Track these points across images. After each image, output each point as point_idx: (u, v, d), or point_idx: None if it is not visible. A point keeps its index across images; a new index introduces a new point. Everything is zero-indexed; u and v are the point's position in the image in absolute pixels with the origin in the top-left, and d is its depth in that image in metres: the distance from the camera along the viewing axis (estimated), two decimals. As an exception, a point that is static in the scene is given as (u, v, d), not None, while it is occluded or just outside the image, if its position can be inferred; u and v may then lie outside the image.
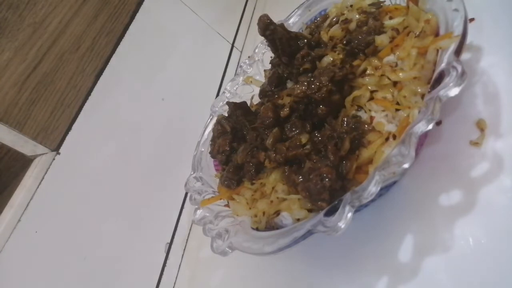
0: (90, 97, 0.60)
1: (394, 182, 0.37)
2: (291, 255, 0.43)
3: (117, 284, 0.55)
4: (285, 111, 0.40)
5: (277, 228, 0.36)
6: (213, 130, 0.51)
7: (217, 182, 0.47)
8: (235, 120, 0.48)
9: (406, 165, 0.28)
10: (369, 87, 0.37)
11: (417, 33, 0.37)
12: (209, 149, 0.51)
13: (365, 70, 0.39)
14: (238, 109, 0.47)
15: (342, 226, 0.28)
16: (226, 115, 0.51)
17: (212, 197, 0.44)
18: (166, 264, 0.60)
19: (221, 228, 0.39)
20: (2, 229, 0.47)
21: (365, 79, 0.38)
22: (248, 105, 0.50)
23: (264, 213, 0.38)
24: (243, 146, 0.44)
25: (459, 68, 0.28)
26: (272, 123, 0.40)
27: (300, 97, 0.39)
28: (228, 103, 0.50)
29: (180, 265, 0.61)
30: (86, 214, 0.54)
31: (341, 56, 0.42)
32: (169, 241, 0.63)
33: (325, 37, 0.47)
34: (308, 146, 0.37)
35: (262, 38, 0.45)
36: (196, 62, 0.79)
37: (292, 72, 0.45)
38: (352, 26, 0.43)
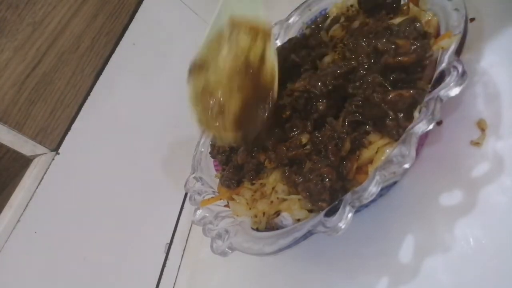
0: (89, 97, 0.59)
1: (395, 182, 0.37)
2: (291, 255, 0.43)
3: (116, 284, 0.54)
4: (286, 114, 0.40)
5: (277, 229, 0.36)
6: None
7: (217, 183, 0.47)
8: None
9: (406, 165, 0.27)
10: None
11: (418, 33, 0.36)
12: (209, 149, 0.51)
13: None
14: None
15: (343, 227, 0.28)
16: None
17: (212, 197, 0.44)
18: (166, 265, 0.60)
19: (221, 228, 0.39)
20: (1, 230, 0.47)
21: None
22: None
23: (264, 213, 0.38)
24: (243, 147, 0.44)
25: (460, 68, 0.28)
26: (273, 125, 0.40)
27: (301, 90, 0.38)
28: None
29: (180, 265, 0.60)
30: (85, 214, 0.54)
31: (341, 55, 0.42)
32: (169, 241, 0.62)
33: (325, 37, 0.47)
34: (308, 146, 0.37)
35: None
36: (196, 62, 0.79)
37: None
38: (355, 25, 0.43)
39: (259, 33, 0.37)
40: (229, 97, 0.36)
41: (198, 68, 0.36)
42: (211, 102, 0.36)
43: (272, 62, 0.37)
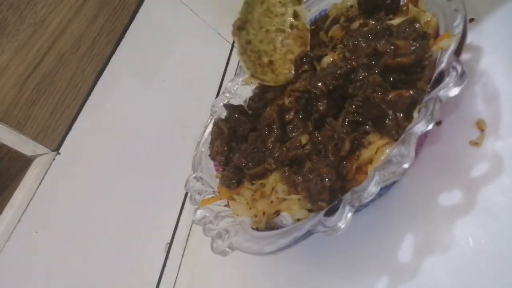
0: (90, 97, 0.60)
1: (394, 182, 0.37)
2: (291, 255, 0.43)
3: (117, 284, 0.55)
4: (290, 115, 0.40)
5: (277, 228, 0.36)
6: (211, 133, 0.51)
7: (217, 182, 0.47)
8: (233, 121, 0.48)
9: (406, 165, 0.28)
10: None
11: (417, 33, 0.37)
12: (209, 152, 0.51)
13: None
14: (236, 111, 0.47)
15: (342, 226, 0.28)
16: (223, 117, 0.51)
17: (212, 197, 0.44)
18: (166, 264, 0.60)
19: (221, 228, 0.39)
20: (2, 229, 0.47)
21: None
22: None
23: (264, 213, 0.38)
24: (244, 147, 0.44)
25: (459, 68, 0.28)
26: (277, 127, 0.40)
27: (301, 91, 0.39)
28: (225, 105, 0.50)
29: (180, 265, 0.61)
30: (86, 214, 0.54)
31: (340, 56, 0.42)
32: (169, 241, 0.63)
33: (325, 37, 0.47)
34: (308, 147, 0.37)
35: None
36: (196, 62, 0.79)
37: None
38: (354, 26, 0.43)
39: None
40: (272, 50, 0.46)
41: (238, 27, 0.45)
42: (255, 55, 0.45)
43: (304, 19, 0.46)
